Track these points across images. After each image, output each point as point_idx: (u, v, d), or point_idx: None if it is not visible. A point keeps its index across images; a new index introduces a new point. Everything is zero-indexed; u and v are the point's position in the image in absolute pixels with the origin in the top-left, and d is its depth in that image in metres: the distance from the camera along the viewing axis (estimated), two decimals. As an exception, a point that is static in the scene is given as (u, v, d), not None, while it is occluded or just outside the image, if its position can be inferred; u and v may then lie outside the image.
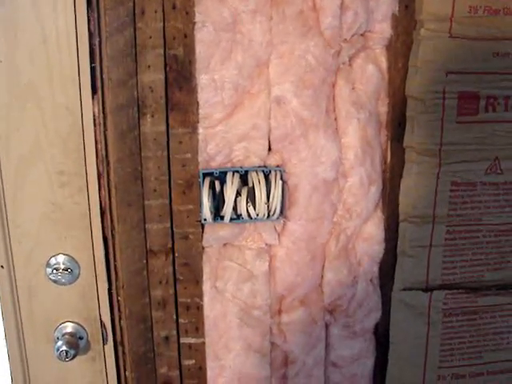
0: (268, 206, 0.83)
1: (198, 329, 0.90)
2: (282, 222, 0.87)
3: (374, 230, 0.91)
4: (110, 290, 0.86)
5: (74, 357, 0.85)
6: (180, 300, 0.88)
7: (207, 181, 0.83)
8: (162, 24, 0.78)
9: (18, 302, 0.85)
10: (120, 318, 0.88)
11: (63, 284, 0.85)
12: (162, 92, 0.80)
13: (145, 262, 0.85)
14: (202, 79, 0.80)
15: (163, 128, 0.81)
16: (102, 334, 0.88)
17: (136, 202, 0.83)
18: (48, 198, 0.81)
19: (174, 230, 0.85)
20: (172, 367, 0.91)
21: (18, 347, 0.87)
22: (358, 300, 0.93)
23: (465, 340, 0.95)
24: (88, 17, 0.76)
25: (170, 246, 0.86)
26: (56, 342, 0.85)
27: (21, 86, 0.77)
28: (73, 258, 0.84)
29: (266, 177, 0.84)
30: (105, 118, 0.79)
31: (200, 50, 0.79)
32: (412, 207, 0.89)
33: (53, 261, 0.84)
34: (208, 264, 0.88)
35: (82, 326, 0.87)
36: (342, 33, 0.82)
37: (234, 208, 0.83)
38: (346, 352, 0.95)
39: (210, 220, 0.84)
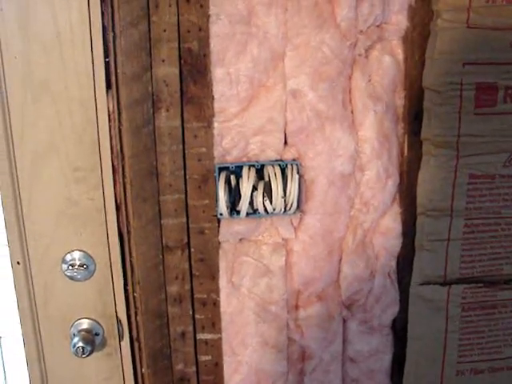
0: (285, 201, 0.82)
1: (215, 324, 0.89)
2: (298, 216, 0.86)
3: (391, 224, 0.90)
4: (125, 285, 0.86)
5: (90, 353, 0.85)
6: (196, 296, 0.88)
7: (223, 175, 0.82)
8: (176, 17, 0.77)
9: (35, 298, 0.85)
10: (136, 314, 0.87)
11: (79, 280, 0.85)
12: (177, 86, 0.79)
13: (161, 257, 0.85)
14: (217, 73, 0.80)
15: (178, 122, 0.81)
16: (118, 330, 0.88)
17: (151, 197, 0.82)
18: (63, 194, 0.81)
19: (190, 225, 0.85)
20: (188, 363, 0.91)
21: (34, 344, 0.87)
22: (375, 295, 0.92)
23: (484, 335, 0.94)
24: (102, 11, 0.75)
25: (185, 241, 0.85)
26: (72, 339, 0.85)
27: (35, 81, 0.76)
28: (88, 254, 0.84)
29: (283, 171, 0.83)
30: (119, 113, 0.78)
31: (215, 43, 0.78)
32: (429, 200, 0.88)
33: (68, 257, 0.84)
34: (224, 259, 0.87)
35: (97, 323, 0.87)
36: (357, 24, 0.82)
37: (251, 203, 0.82)
38: (364, 347, 0.95)
39: (227, 215, 0.83)
